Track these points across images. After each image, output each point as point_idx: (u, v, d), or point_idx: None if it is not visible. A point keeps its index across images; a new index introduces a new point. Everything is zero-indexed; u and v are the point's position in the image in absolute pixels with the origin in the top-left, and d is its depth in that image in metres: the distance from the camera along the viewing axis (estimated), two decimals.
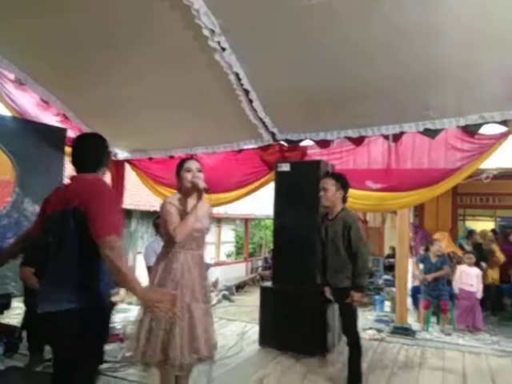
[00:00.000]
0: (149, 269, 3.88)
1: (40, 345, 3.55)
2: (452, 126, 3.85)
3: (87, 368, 1.98)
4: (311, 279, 4.08)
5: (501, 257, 6.71)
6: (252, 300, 8.05)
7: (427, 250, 6.31)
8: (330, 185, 3.26)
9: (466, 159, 4.01)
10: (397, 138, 4.18)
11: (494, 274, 6.61)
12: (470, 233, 7.31)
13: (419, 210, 8.10)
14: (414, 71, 3.34)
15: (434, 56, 3.16)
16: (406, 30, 2.99)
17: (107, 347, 3.84)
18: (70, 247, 1.94)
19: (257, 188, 5.02)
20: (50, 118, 4.91)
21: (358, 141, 4.38)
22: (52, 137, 4.76)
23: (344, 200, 3.33)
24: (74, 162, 2.10)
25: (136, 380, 3.32)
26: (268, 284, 4.67)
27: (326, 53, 3.35)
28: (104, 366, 3.60)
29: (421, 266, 6.20)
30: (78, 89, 4.36)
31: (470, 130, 3.88)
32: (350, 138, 4.39)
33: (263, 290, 4.43)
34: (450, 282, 6.15)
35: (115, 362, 3.62)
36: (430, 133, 3.97)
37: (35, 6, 3.22)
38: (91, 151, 2.11)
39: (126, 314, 4.51)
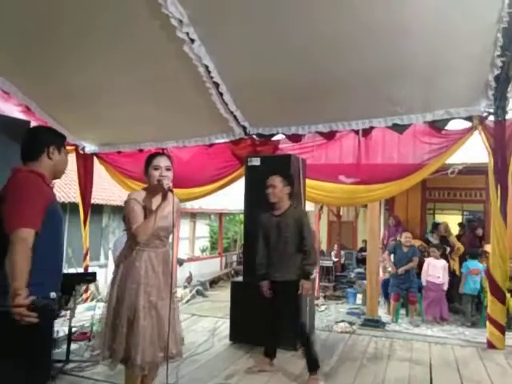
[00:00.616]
0: None
1: None
2: (419, 121, 3.93)
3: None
4: None
5: (460, 247, 6.95)
6: (226, 295, 8.00)
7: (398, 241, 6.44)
8: (277, 182, 3.40)
9: (434, 153, 4.09)
10: (366, 132, 4.22)
11: (455, 265, 6.81)
12: (436, 226, 7.51)
13: (390, 204, 8.25)
14: (380, 67, 3.38)
15: (400, 52, 3.23)
16: (373, 27, 3.02)
17: (73, 346, 3.79)
18: None
19: (229, 182, 4.99)
20: (12, 109, 4.70)
21: (330, 135, 4.40)
22: (14, 129, 4.52)
23: (290, 196, 3.46)
24: None
25: (102, 379, 3.24)
26: (239, 279, 4.63)
27: (298, 46, 3.34)
28: (70, 365, 3.52)
29: (391, 257, 6.31)
30: (42, 80, 4.19)
31: (437, 126, 3.97)
32: (321, 133, 4.40)
33: (234, 285, 4.40)
34: (419, 275, 6.30)
35: (81, 362, 3.52)
36: (399, 128, 4.03)
37: None
38: (24, 142, 2.09)
39: (93, 311, 4.40)
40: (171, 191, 2.44)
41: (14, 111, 4.72)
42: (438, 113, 3.86)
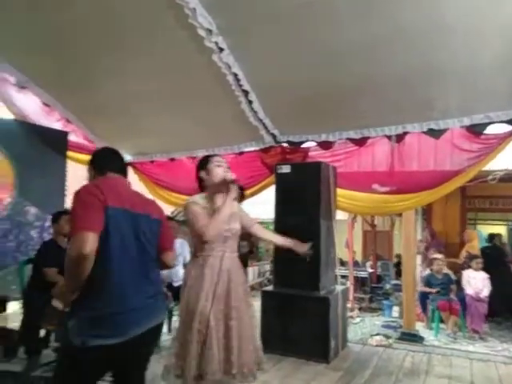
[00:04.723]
0: None
1: (38, 349, 3.52)
2: (456, 125, 3.76)
3: None
4: (313, 283, 4.00)
5: None
6: (259, 304, 7.97)
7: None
8: None
9: (473, 160, 3.89)
10: (400, 138, 4.08)
11: None
12: (494, 237, 7.16)
13: (427, 213, 7.92)
14: (413, 68, 3.26)
15: (436, 52, 3.10)
16: (406, 26, 2.93)
17: None
18: (150, 252, 1.88)
19: (258, 190, 4.95)
20: (53, 121, 4.91)
21: (361, 142, 4.29)
22: (54, 140, 4.77)
23: None
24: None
25: None
26: (269, 288, 4.59)
27: (326, 50, 3.29)
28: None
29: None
30: (80, 92, 4.35)
31: (476, 130, 3.78)
32: (352, 140, 4.30)
33: (264, 294, 4.36)
34: (459, 287, 6.03)
35: None
36: (434, 133, 3.87)
37: (35, 8, 3.21)
38: None
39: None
40: (234, 183, 2.27)
41: (55, 125, 4.94)
42: (477, 117, 3.68)
